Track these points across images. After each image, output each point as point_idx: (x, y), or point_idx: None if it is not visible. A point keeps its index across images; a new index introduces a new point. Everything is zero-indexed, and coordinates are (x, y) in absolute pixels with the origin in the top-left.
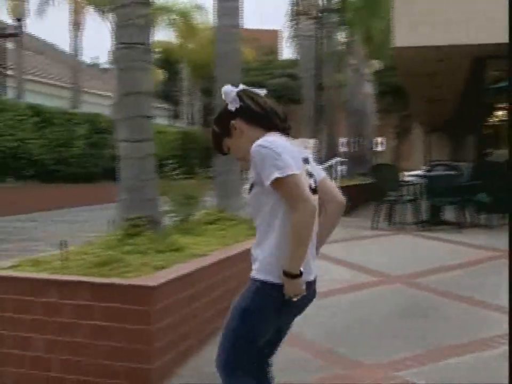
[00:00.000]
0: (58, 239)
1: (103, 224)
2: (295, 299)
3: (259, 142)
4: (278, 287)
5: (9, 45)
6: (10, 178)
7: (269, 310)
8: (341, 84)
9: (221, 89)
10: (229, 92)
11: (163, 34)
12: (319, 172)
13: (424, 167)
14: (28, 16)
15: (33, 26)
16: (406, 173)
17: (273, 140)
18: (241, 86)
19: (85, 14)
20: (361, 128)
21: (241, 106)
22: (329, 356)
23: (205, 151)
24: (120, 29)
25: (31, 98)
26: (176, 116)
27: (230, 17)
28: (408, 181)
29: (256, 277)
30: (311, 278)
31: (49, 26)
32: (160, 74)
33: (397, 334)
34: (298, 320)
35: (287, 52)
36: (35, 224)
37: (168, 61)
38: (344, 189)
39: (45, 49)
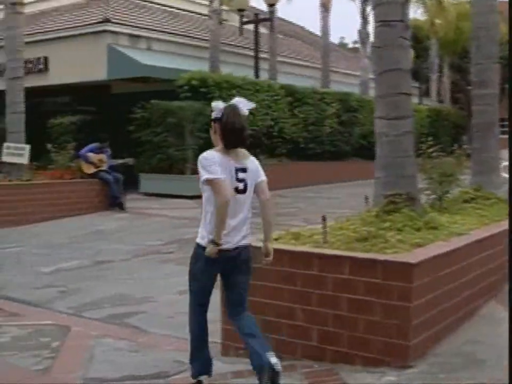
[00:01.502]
0: (311, 215)
1: (354, 201)
2: (212, 257)
3: (204, 154)
4: (204, 248)
5: (263, 29)
6: (263, 156)
7: (202, 261)
8: None
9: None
10: (218, 107)
11: (411, 11)
12: (257, 177)
13: None
14: (279, 1)
15: (283, 10)
16: None
17: (212, 153)
18: (232, 103)
19: None
20: None
21: (219, 118)
22: None
23: (456, 128)
24: (378, 7)
25: (284, 79)
26: (425, 94)
27: None
28: None
29: (196, 242)
30: (230, 247)
31: (299, 10)
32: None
33: None
34: None
35: None
36: (286, 200)
37: (416, 38)
38: None
39: (295, 31)
